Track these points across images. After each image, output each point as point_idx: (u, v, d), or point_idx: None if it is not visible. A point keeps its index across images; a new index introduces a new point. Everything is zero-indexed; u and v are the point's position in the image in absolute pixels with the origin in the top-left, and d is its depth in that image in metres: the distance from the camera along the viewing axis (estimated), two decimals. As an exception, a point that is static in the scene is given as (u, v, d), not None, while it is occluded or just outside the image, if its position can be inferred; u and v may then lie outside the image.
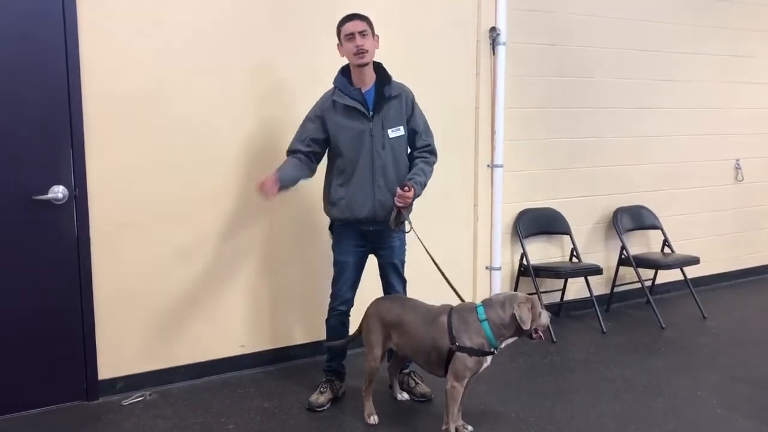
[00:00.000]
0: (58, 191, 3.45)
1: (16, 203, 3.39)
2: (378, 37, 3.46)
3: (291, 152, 3.50)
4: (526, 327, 2.99)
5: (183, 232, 3.81)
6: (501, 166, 4.75)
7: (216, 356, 3.99)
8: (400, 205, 3.39)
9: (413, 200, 3.42)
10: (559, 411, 3.54)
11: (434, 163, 3.60)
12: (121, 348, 3.71)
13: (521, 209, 5.02)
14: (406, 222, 3.47)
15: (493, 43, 4.66)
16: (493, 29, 4.65)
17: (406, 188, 3.37)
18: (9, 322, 3.42)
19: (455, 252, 4.72)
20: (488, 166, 4.77)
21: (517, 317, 2.99)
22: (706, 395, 3.74)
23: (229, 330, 4.01)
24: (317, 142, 3.47)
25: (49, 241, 3.47)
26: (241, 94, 3.90)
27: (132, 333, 3.74)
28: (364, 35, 3.35)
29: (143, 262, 3.72)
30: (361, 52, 3.34)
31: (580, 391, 3.80)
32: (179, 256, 3.81)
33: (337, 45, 3.45)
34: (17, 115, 3.35)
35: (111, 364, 3.69)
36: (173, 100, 3.72)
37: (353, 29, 3.34)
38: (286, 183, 3.37)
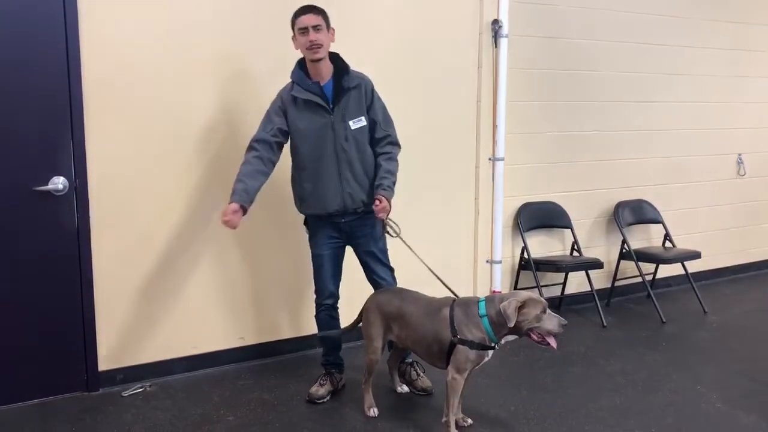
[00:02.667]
0: (59, 182, 3.45)
1: (16, 194, 3.38)
2: (333, 30, 3.40)
3: (256, 142, 3.38)
4: (510, 324, 2.93)
5: (183, 223, 3.81)
6: (502, 159, 4.74)
7: (216, 348, 3.99)
8: (382, 216, 3.39)
9: (390, 206, 3.41)
10: (559, 405, 3.54)
11: (398, 154, 3.54)
12: (122, 339, 3.72)
13: (522, 203, 5.01)
14: (392, 226, 3.45)
15: (496, 35, 4.65)
16: (495, 22, 4.63)
17: (379, 201, 3.35)
18: (9, 314, 3.42)
19: (456, 245, 4.71)
20: (489, 159, 4.76)
21: (502, 311, 2.97)
22: (706, 390, 3.74)
23: (228, 322, 4.02)
24: (283, 134, 3.41)
25: (50, 232, 3.47)
26: (245, 87, 3.89)
27: (132, 325, 3.73)
28: (318, 30, 3.29)
29: (143, 254, 3.72)
30: (314, 46, 3.29)
31: (580, 385, 3.80)
32: (179, 247, 3.81)
33: (291, 37, 3.40)
34: (17, 106, 3.34)
35: (111, 355, 3.70)
36: (174, 91, 3.71)
37: (306, 23, 3.29)
38: (248, 202, 3.28)
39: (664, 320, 4.93)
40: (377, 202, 3.36)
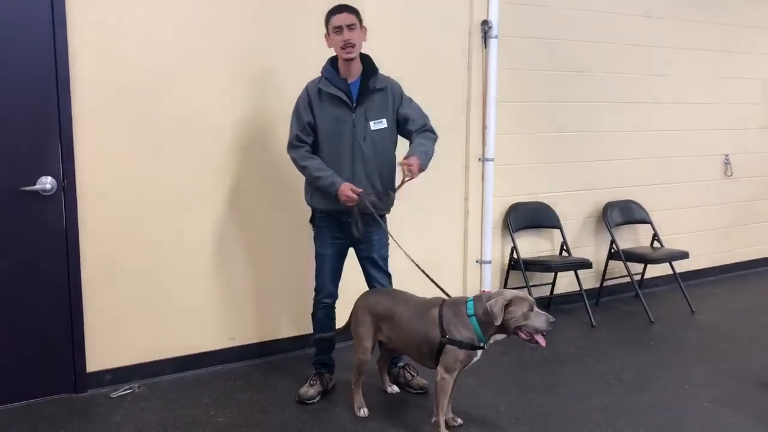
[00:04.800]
0: (46, 182, 3.42)
1: (3, 195, 3.35)
2: (366, 28, 3.44)
3: (298, 142, 3.41)
4: (497, 322, 2.94)
5: (172, 224, 3.79)
6: (492, 159, 4.75)
7: (205, 349, 3.97)
8: (407, 177, 3.33)
9: (420, 171, 3.36)
10: (548, 404, 3.55)
11: (435, 139, 3.55)
12: (110, 340, 3.69)
13: (512, 203, 5.02)
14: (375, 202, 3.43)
15: (485, 36, 4.66)
16: (485, 22, 4.64)
17: (415, 160, 3.31)
18: (-4, 314, 3.40)
19: (446, 246, 4.72)
20: (479, 159, 4.77)
21: (488, 309, 2.97)
22: (693, 389, 3.76)
23: (218, 323, 4.00)
24: (312, 128, 3.43)
25: (37, 233, 3.44)
26: (232, 85, 3.88)
27: (121, 325, 3.71)
28: (352, 28, 3.33)
29: (132, 254, 3.70)
30: (348, 46, 3.33)
31: (570, 385, 3.81)
32: (168, 248, 3.79)
33: (325, 35, 3.43)
34: (4, 104, 3.31)
35: (99, 356, 3.67)
36: (163, 90, 3.69)
37: (341, 22, 3.32)
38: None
39: (652, 320, 4.96)
40: (411, 159, 3.31)
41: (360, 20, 3.39)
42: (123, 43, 3.57)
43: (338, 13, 3.35)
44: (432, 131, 3.57)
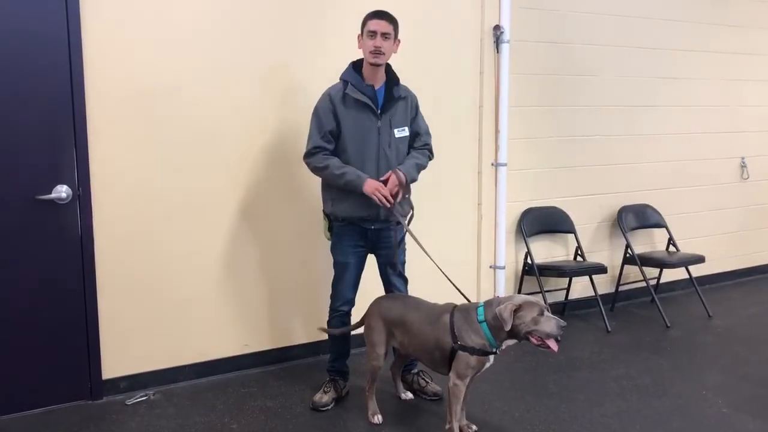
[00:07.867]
0: (62, 191, 3.45)
1: (20, 203, 3.39)
2: (399, 41, 3.48)
3: (317, 149, 3.41)
4: (507, 327, 2.92)
5: (187, 231, 3.81)
6: (505, 164, 4.74)
7: (219, 356, 3.99)
8: (389, 189, 3.39)
9: (407, 184, 3.44)
10: (563, 410, 3.53)
11: (429, 158, 3.65)
12: (125, 347, 3.72)
13: (525, 208, 5.00)
14: (402, 221, 3.47)
15: (497, 41, 4.65)
16: (496, 27, 4.64)
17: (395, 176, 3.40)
18: (13, 322, 3.42)
19: (459, 251, 4.71)
20: (492, 164, 4.76)
21: (498, 315, 2.95)
22: (711, 394, 3.72)
23: (232, 329, 4.01)
24: (333, 136, 3.43)
25: (53, 241, 3.47)
26: (247, 94, 3.89)
27: (136, 332, 3.74)
28: (386, 37, 3.37)
29: (147, 262, 3.72)
30: (377, 52, 3.36)
31: (585, 391, 3.79)
32: (182, 255, 3.81)
33: (358, 35, 3.45)
34: (20, 114, 3.35)
35: (115, 363, 3.70)
36: (178, 98, 3.72)
37: (377, 28, 3.35)
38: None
39: (668, 325, 4.92)
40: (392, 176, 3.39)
41: (396, 32, 3.43)
42: (138, 53, 3.59)
43: (376, 19, 3.38)
44: (431, 150, 3.66)
